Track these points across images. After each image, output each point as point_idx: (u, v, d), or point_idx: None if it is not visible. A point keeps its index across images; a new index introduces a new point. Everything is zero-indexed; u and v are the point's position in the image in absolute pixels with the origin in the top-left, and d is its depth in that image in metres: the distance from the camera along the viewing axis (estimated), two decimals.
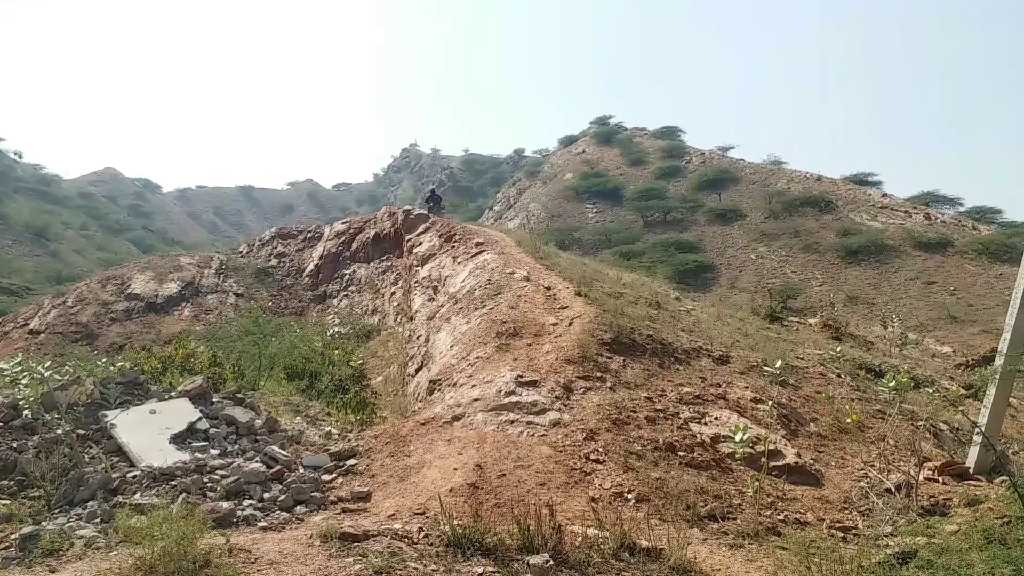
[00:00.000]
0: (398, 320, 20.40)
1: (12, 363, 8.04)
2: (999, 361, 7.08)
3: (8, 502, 5.61)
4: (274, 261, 27.77)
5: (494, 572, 4.56)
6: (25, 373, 7.51)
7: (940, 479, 7.14)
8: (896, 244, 28.99)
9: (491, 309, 12.30)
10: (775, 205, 34.74)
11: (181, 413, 7.60)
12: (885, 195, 35.35)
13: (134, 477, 6.22)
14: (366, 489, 6.40)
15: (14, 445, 6.51)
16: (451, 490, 5.95)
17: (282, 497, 6.05)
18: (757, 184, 38.65)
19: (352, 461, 7.06)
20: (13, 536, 4.93)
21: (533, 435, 7.24)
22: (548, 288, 12.72)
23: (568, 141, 58.11)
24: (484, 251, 17.34)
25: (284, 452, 7.04)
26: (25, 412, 7.04)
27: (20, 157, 75.87)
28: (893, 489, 6.69)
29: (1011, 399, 8.82)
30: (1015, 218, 34.00)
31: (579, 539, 5.02)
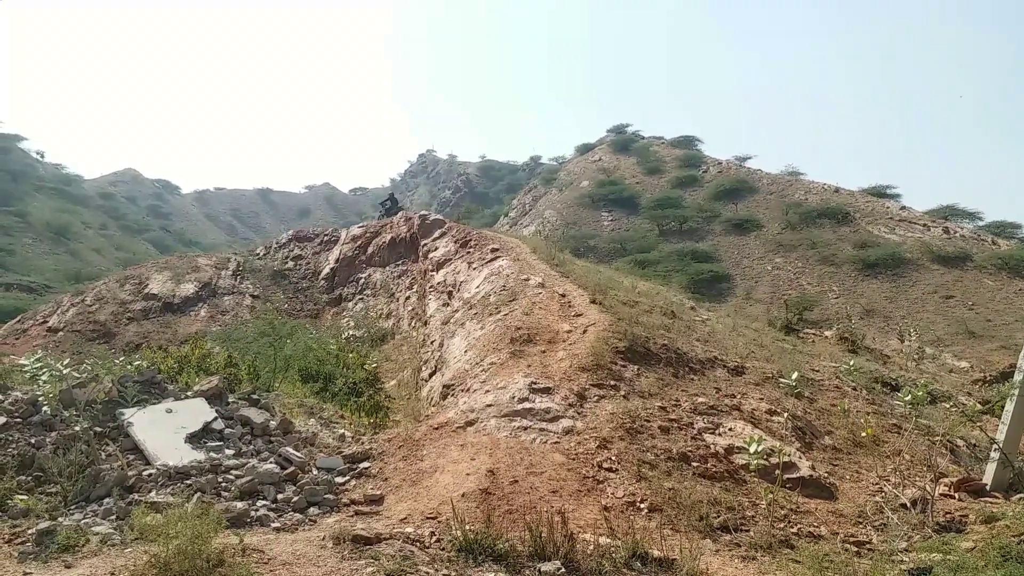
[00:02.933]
0: (412, 324, 20.44)
1: (32, 359, 8.15)
2: (1018, 377, 7.02)
3: (25, 497, 5.67)
4: (290, 264, 27.89)
5: None
6: (45, 370, 7.61)
7: (956, 495, 7.08)
8: (914, 257, 28.73)
9: (505, 315, 12.32)
10: (792, 216, 34.54)
11: (197, 413, 7.66)
12: (903, 208, 35.06)
13: (150, 475, 6.27)
14: (379, 492, 6.42)
15: (32, 441, 6.58)
16: (463, 495, 5.95)
17: (295, 498, 6.08)
18: (774, 195, 38.45)
19: (365, 464, 7.08)
20: (30, 531, 4.98)
21: (546, 442, 7.24)
22: (563, 295, 12.72)
23: (585, 149, 58.05)
24: (499, 257, 17.36)
25: (298, 454, 7.08)
26: (44, 408, 7.12)
27: (42, 156, 76.81)
28: (908, 504, 6.64)
29: None
30: None
31: (591, 547, 5.02)
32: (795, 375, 9.29)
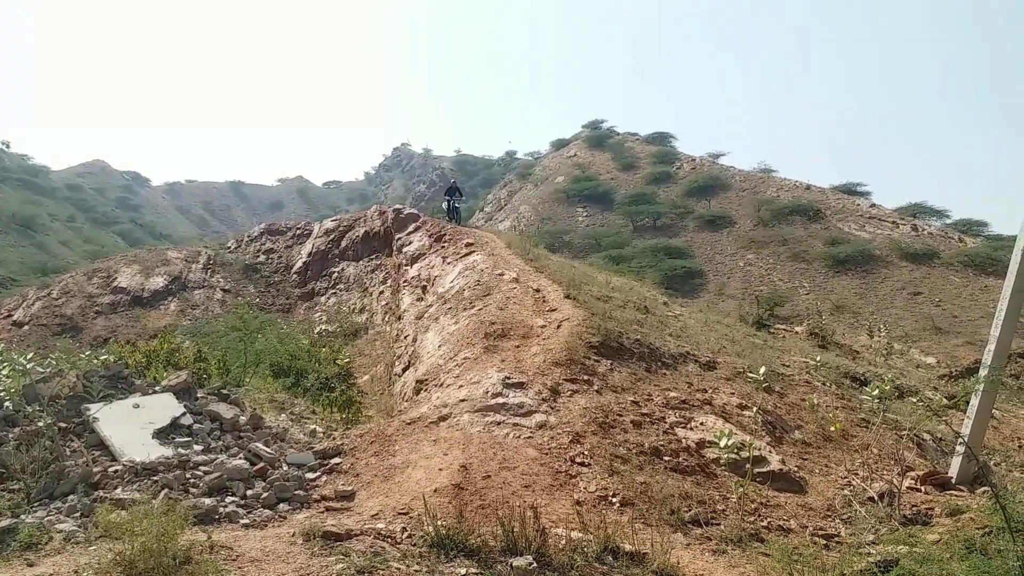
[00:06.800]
0: (386, 319, 20.33)
1: None
2: (983, 372, 7.13)
3: None
4: (262, 257, 27.60)
5: (477, 573, 4.54)
6: (6, 364, 7.44)
7: (923, 489, 7.19)
8: (883, 254, 29.20)
9: (480, 310, 12.29)
10: (764, 213, 34.94)
11: (165, 408, 7.54)
12: (873, 205, 35.61)
13: (116, 471, 6.16)
14: (350, 488, 6.37)
15: None
16: (436, 490, 5.93)
17: (265, 495, 6.01)
18: (747, 192, 38.84)
19: (336, 460, 7.02)
20: None
21: (519, 437, 7.23)
22: (537, 290, 12.72)
23: (560, 144, 58.27)
24: (474, 252, 17.33)
25: (268, 449, 7.00)
26: (6, 404, 6.96)
27: (8, 147, 75.47)
28: (876, 498, 6.73)
29: (994, 410, 8.89)
30: (1001, 231, 34.29)
31: (563, 542, 5.01)
32: (762, 370, 9.36)
